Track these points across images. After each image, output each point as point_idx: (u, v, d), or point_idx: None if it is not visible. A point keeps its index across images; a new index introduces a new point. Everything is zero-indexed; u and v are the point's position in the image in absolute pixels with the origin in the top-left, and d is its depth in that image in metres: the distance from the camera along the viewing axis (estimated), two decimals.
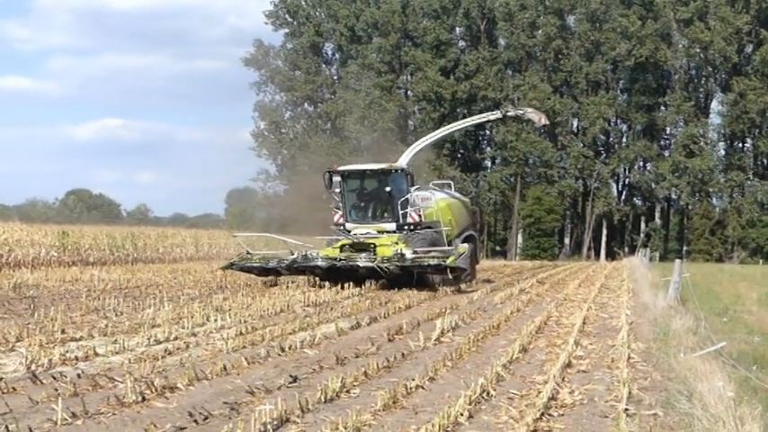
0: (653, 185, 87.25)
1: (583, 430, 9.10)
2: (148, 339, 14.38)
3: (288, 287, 25.91)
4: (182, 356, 12.83)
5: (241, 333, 15.49)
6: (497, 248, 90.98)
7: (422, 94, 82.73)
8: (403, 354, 13.53)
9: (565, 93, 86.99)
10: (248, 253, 29.82)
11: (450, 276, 26.94)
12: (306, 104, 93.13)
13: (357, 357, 13.25)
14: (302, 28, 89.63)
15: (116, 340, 14.06)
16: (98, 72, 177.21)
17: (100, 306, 19.86)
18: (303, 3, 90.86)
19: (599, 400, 10.54)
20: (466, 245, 28.61)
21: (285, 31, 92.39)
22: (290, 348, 13.84)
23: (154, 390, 10.09)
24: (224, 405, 9.61)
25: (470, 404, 9.68)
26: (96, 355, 12.77)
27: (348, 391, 10.53)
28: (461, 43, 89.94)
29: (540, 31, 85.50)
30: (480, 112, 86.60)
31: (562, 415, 9.70)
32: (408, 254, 26.92)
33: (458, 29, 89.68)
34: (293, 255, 28.25)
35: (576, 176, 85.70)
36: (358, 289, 25.67)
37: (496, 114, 33.63)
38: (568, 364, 12.82)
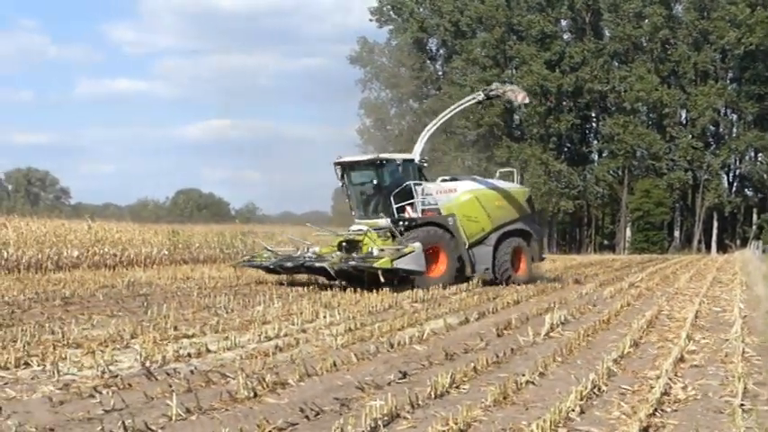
0: (765, 176, 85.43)
1: (697, 426, 8.94)
2: (259, 336, 14.54)
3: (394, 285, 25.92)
4: (292, 353, 12.94)
5: (350, 329, 15.56)
6: (605, 242, 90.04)
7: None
8: (512, 349, 13.46)
9: (672, 83, 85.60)
10: (267, 249, 29.36)
11: (396, 280, 24.73)
12: (411, 101, 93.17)
13: (466, 353, 13.22)
14: (406, 24, 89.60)
15: (227, 337, 14.23)
16: (205, 72, 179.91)
17: (211, 303, 20.13)
18: None
19: (713, 395, 10.36)
20: (417, 244, 24.93)
21: (390, 28, 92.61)
22: (398, 344, 13.87)
23: (265, 386, 10.19)
24: (334, 401, 9.66)
25: (582, 399, 9.59)
26: (208, 351, 12.95)
27: (458, 387, 10.51)
28: (566, 36, 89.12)
29: (646, 21, 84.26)
30: (587, 105, 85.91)
31: (675, 411, 9.55)
32: (355, 255, 25.53)
33: (563, 21, 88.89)
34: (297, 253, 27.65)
35: (686, 168, 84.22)
36: (465, 285, 25.61)
37: (479, 96, 29.89)
38: (681, 359, 12.63)
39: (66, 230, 36.33)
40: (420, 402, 9.55)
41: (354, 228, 27.57)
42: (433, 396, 9.88)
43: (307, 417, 8.96)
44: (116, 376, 10.82)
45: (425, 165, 28.54)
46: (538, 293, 24.30)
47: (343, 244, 26.46)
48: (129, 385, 10.38)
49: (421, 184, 27.47)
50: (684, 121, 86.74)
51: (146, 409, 9.23)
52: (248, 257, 30.60)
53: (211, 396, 9.76)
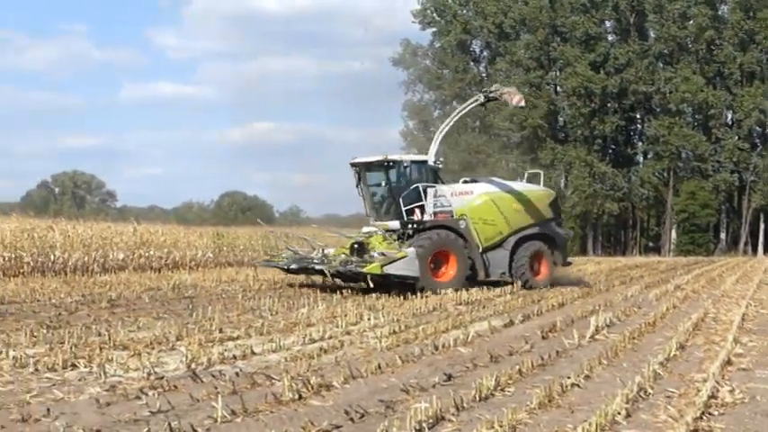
0: None
1: (745, 430, 8.87)
2: (304, 338, 14.58)
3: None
4: (337, 355, 12.97)
5: (394, 331, 15.57)
6: (650, 244, 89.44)
7: (571, 89, 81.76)
8: (557, 351, 13.42)
9: (718, 84, 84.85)
10: (288, 249, 29.15)
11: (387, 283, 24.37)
12: (454, 103, 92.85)
13: (511, 355, 13.20)
14: (450, 26, 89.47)
15: (272, 339, 14.29)
16: (249, 76, 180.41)
17: (255, 306, 20.22)
18: (450, 1, 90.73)
19: (761, 398, 10.27)
20: (410, 249, 24.57)
21: (433, 30, 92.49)
22: (443, 346, 13.86)
23: (310, 388, 10.22)
24: (379, 403, 9.66)
25: (628, 403, 9.53)
26: (253, 353, 13.01)
27: (503, 390, 10.48)
28: (611, 37, 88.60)
29: (691, 22, 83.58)
30: (631, 106, 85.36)
31: (723, 414, 9.48)
32: (354, 258, 25.22)
33: (607, 22, 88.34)
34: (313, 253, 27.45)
35: (732, 170, 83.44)
36: (510, 287, 25.55)
37: (479, 99, 28.52)
38: (728, 362, 12.53)
39: (111, 233, 36.59)
40: (465, 405, 9.53)
41: (365, 230, 27.55)
42: (477, 398, 9.86)
43: (351, 419, 8.97)
44: (162, 378, 10.88)
45: (440, 166, 27.91)
46: (583, 296, 24.19)
47: (355, 246, 26.04)
48: (175, 387, 10.44)
49: (434, 187, 27.02)
50: (730, 123, 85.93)
51: (191, 410, 9.27)
52: (268, 257, 30.62)
53: (256, 398, 9.79)
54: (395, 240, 25.99)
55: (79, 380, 10.87)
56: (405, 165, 27.06)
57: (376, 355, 12.74)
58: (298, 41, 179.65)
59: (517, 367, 11.58)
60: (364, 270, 24.07)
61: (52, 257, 30.87)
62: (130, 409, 9.25)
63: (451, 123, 28.60)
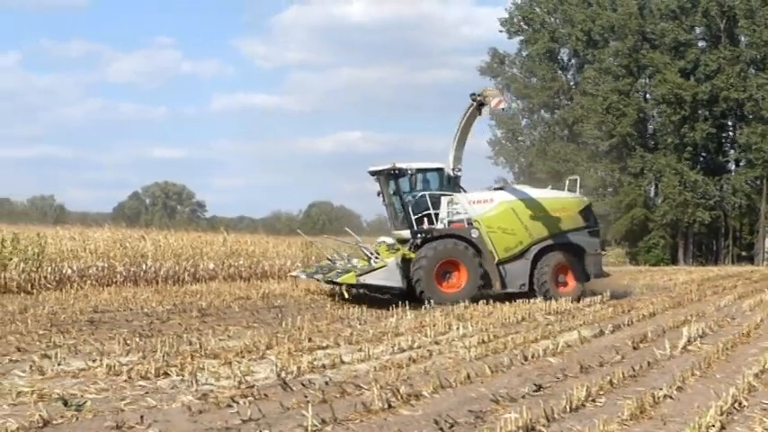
0: None
1: None
2: (392, 347, 14.61)
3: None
4: (425, 364, 12.97)
5: (483, 341, 15.52)
6: (743, 254, 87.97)
7: (661, 96, 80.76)
8: (648, 362, 13.26)
9: None
10: (327, 259, 28.91)
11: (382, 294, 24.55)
12: (542, 111, 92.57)
13: (601, 366, 13.08)
14: (537, 35, 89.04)
15: (361, 348, 14.34)
16: (336, 86, 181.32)
17: (344, 315, 20.32)
18: (538, 9, 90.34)
19: None
20: (390, 260, 24.24)
21: (520, 39, 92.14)
22: (532, 356, 13.79)
23: (400, 397, 10.22)
24: (469, 413, 9.63)
25: (722, 415, 9.38)
26: (342, 362, 13.06)
27: (593, 400, 10.39)
28: (701, 43, 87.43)
29: None
30: (723, 113, 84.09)
31: None
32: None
33: (697, 29, 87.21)
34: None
35: None
36: (599, 297, 25.32)
37: (472, 105, 26.43)
38: None
39: (202, 243, 37.01)
40: (555, 416, 9.46)
41: (380, 240, 27.35)
42: (568, 409, 9.79)
43: (441, 429, 8.96)
44: (252, 387, 10.98)
45: (460, 174, 26.87)
46: (674, 306, 23.88)
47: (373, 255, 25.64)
48: (266, 396, 10.51)
49: (450, 195, 26.26)
50: None
51: (282, 419, 9.33)
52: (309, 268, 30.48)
53: (346, 407, 9.82)
54: (398, 250, 25.29)
55: (171, 388, 11.00)
56: (410, 173, 26.43)
57: (465, 365, 12.70)
58: (385, 51, 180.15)
59: (608, 378, 11.47)
60: (339, 280, 24.10)
61: (144, 267, 31.33)
62: (222, 418, 9.34)
63: (459, 131, 26.94)
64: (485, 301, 23.29)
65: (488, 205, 26.07)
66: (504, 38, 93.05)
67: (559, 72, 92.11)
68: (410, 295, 24.17)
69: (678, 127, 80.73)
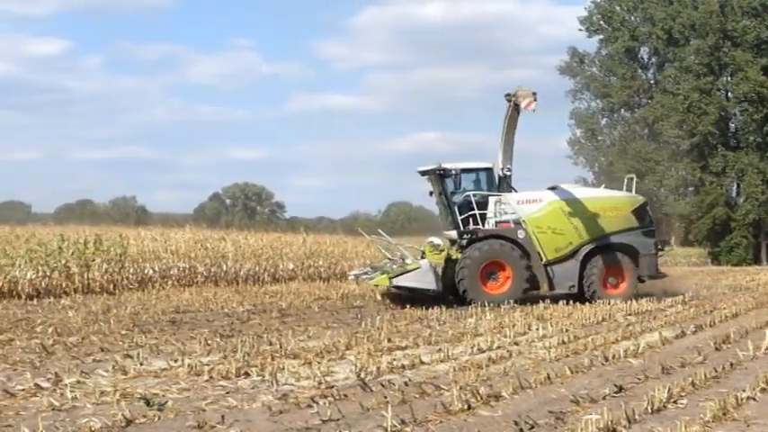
0: None
1: None
2: (472, 348, 14.59)
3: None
4: (505, 365, 12.92)
5: (563, 342, 15.44)
6: None
7: (743, 95, 79.57)
8: (731, 363, 13.07)
9: None
10: (388, 259, 28.26)
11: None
12: (622, 110, 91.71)
13: (683, 367, 12.92)
14: (617, 33, 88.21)
15: (440, 349, 14.34)
16: (413, 86, 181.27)
17: (423, 315, 20.32)
18: (618, 7, 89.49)
19: None
20: (423, 261, 24.34)
21: (599, 38, 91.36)
22: (613, 357, 13.68)
23: (479, 398, 10.20)
24: (549, 414, 9.58)
25: None
26: (422, 363, 13.06)
27: (675, 402, 10.27)
28: None
29: None
30: None
31: None
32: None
33: None
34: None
35: None
36: (681, 297, 25.04)
37: (510, 106, 25.87)
38: None
39: (281, 244, 37.29)
40: (636, 417, 9.37)
41: (429, 240, 26.55)
42: (649, 410, 9.69)
43: (521, 430, 8.92)
44: (332, 387, 11.02)
45: (509, 173, 26.24)
46: (757, 306, 23.53)
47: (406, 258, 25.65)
48: (345, 396, 10.54)
49: (498, 195, 25.84)
50: None
51: (361, 419, 9.35)
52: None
53: (426, 408, 9.82)
54: (443, 251, 25.12)
55: (252, 388, 11.08)
56: (454, 173, 25.89)
57: (545, 366, 12.64)
58: (462, 51, 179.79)
59: (690, 379, 11.34)
60: (371, 282, 24.23)
61: (224, 267, 31.64)
62: (302, 418, 9.38)
63: (504, 132, 26.17)
64: (564, 301, 23.15)
65: (537, 205, 25.63)
66: (583, 37, 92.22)
67: (639, 71, 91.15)
68: (453, 296, 24.41)
69: (761, 125, 79.42)
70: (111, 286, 26.48)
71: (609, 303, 23.12)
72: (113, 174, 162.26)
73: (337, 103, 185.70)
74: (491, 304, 22.74)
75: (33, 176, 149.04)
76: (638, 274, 25.71)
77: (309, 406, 9.96)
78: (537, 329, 17.27)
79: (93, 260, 26.97)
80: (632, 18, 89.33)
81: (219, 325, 18.13)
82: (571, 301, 23.11)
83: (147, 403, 9.90)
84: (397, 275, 23.96)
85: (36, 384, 10.94)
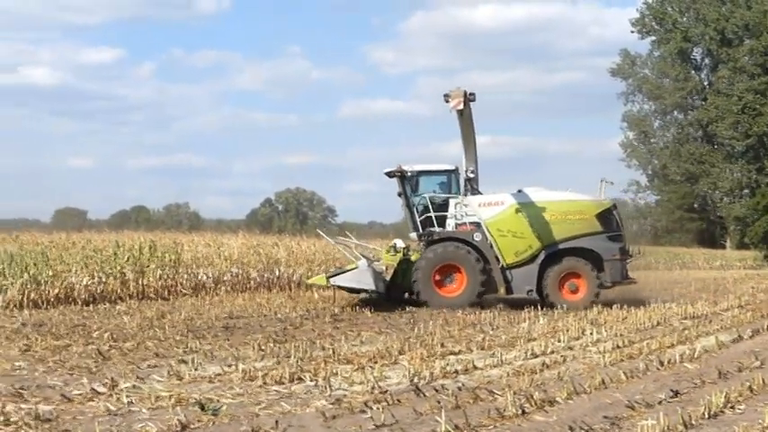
0: None
1: None
2: (525, 353, 14.53)
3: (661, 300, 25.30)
4: (559, 370, 12.86)
5: (617, 346, 15.34)
6: None
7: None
8: None
9: None
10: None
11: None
12: (675, 112, 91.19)
13: (740, 371, 12.81)
14: (670, 34, 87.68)
15: (494, 354, 14.30)
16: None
17: (476, 320, 20.26)
18: (670, 9, 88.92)
19: None
20: (361, 261, 24.35)
21: (652, 39, 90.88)
22: (668, 362, 13.57)
23: (533, 403, 10.16)
24: (604, 419, 9.52)
25: None
26: (475, 368, 13.03)
27: (732, 407, 10.18)
28: None
29: None
30: None
31: None
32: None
33: None
34: None
35: None
36: (737, 301, 24.80)
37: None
38: None
39: (334, 249, 37.31)
40: (693, 422, 9.31)
41: (393, 242, 27.00)
42: (706, 416, 9.61)
43: None
44: (385, 392, 11.00)
45: (472, 175, 25.76)
46: None
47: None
48: (398, 401, 10.53)
49: (458, 198, 25.55)
50: None
51: (415, 424, 9.34)
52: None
53: (479, 413, 9.79)
54: (398, 252, 25.42)
55: (305, 393, 11.10)
56: (410, 174, 25.90)
57: (599, 371, 12.56)
58: (512, 54, 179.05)
59: (747, 384, 11.23)
60: (309, 281, 24.62)
61: (277, 273, 31.70)
62: (355, 423, 9.39)
63: (461, 134, 25.75)
64: (618, 305, 22.98)
65: (498, 208, 25.25)
66: (634, 38, 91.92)
67: (692, 72, 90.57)
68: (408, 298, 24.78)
69: None
70: (166, 292, 26.63)
71: (663, 307, 22.92)
72: (166, 180, 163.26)
73: (387, 108, 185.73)
74: (545, 308, 22.65)
75: (88, 183, 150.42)
76: (601, 280, 24.96)
77: (363, 411, 9.96)
78: (591, 334, 17.18)
79: (148, 266, 27.16)
80: (685, 19, 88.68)
81: (273, 330, 18.16)
82: (625, 306, 22.93)
83: (202, 408, 9.94)
84: (335, 275, 24.27)
85: (93, 389, 11.02)
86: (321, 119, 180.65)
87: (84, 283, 24.53)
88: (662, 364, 13.38)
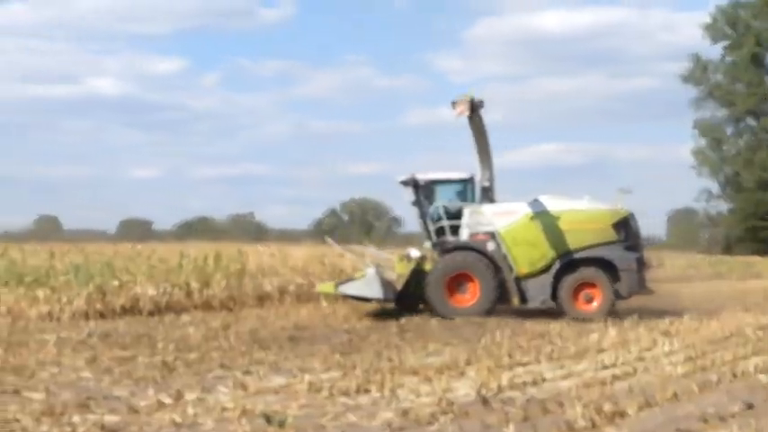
0: None
1: None
2: (595, 364, 14.35)
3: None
4: (630, 382, 12.66)
5: (690, 358, 15.10)
6: None
7: None
8: None
9: None
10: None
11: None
12: (748, 119, 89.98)
13: None
14: (742, 39, 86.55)
15: (563, 365, 14.14)
16: (533, 97, 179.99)
17: (545, 331, 20.04)
18: (742, 13, 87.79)
19: None
20: (370, 270, 24.26)
21: (724, 44, 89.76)
22: (742, 374, 13.35)
23: (603, 416, 10.00)
24: None
25: None
26: (544, 379, 12.87)
27: None
28: None
29: None
30: None
31: None
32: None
33: None
34: None
35: None
36: None
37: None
38: None
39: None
40: None
41: (408, 250, 26.75)
42: None
43: None
44: (452, 404, 10.88)
45: (487, 184, 25.66)
46: None
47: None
48: (466, 413, 10.41)
49: (472, 206, 25.23)
50: None
51: None
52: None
53: (548, 425, 9.65)
54: (410, 260, 25.29)
55: (372, 404, 11.01)
56: (422, 183, 25.73)
57: (671, 383, 12.34)
58: (581, 60, 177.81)
59: None
60: (317, 289, 24.84)
61: None
62: None
63: (474, 142, 25.77)
64: (690, 316, 22.64)
65: (512, 217, 24.95)
66: (705, 44, 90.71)
67: (766, 77, 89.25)
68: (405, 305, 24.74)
69: None
70: (231, 302, 26.65)
71: (737, 317, 22.52)
72: (230, 190, 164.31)
73: (453, 116, 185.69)
74: (609, 318, 22.35)
75: (154, 194, 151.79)
76: (616, 291, 24.55)
77: (430, 423, 9.86)
78: (662, 345, 16.90)
79: (213, 276, 27.23)
80: (757, 23, 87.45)
81: (338, 341, 18.09)
82: (697, 316, 22.58)
83: (268, 420, 9.88)
84: (344, 283, 24.51)
85: (158, 400, 11.02)
86: (385, 126, 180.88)
87: (150, 293, 24.64)
88: (735, 375, 13.16)
